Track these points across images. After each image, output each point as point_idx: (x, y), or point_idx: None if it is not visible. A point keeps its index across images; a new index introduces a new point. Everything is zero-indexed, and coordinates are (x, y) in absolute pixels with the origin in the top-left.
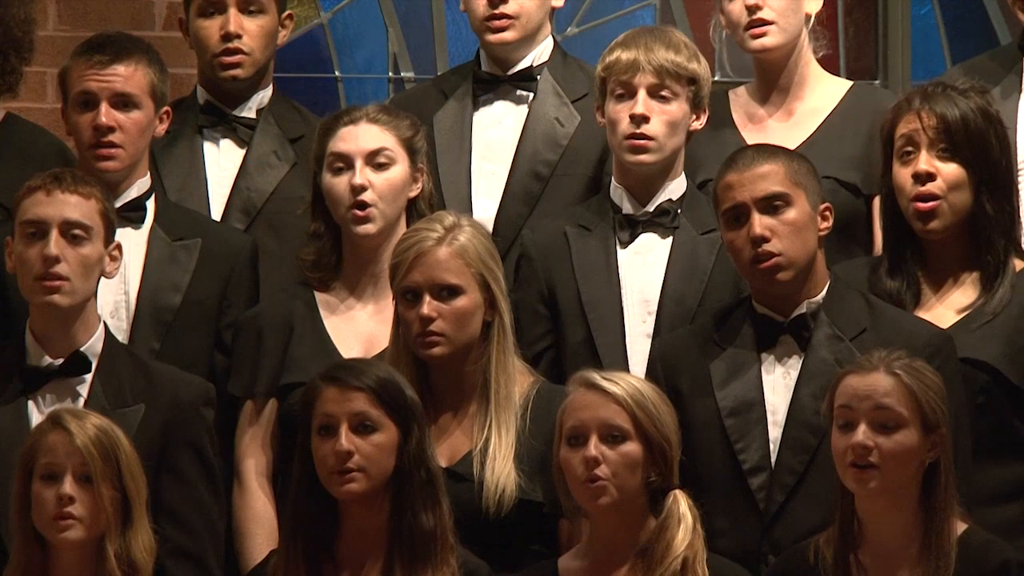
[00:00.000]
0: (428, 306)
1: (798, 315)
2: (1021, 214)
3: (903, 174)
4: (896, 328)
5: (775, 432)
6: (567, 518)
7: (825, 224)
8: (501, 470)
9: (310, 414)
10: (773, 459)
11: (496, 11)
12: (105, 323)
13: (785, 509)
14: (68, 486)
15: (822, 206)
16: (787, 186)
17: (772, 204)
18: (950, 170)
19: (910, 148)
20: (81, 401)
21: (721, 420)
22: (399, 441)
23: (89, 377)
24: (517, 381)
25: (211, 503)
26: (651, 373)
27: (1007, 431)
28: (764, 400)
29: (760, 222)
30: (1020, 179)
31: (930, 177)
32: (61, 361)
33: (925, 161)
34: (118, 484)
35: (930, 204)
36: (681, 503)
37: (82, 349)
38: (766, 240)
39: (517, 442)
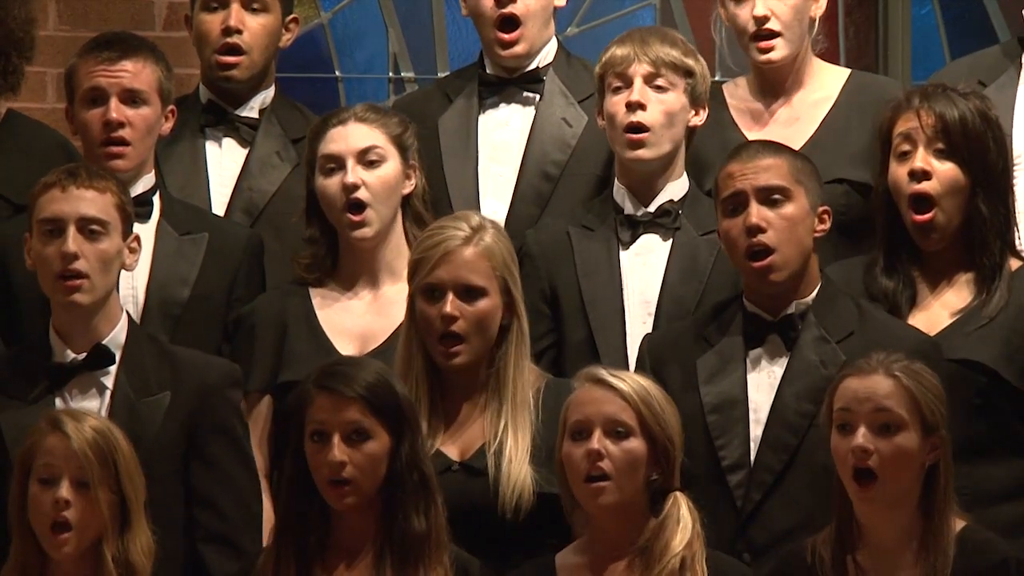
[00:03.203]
0: (452, 304)
1: (786, 315)
2: (1018, 213)
3: (900, 172)
4: (883, 332)
5: (756, 431)
6: (567, 514)
7: (822, 226)
8: (518, 472)
9: (303, 418)
10: (753, 457)
11: (505, 10)
12: (128, 313)
13: (761, 508)
14: (64, 491)
15: (820, 208)
16: (788, 181)
17: (771, 197)
18: (946, 169)
19: (907, 146)
20: (107, 393)
21: (704, 416)
22: (391, 446)
23: (114, 369)
24: (530, 381)
25: (244, 484)
26: (639, 366)
27: (1006, 432)
28: (747, 398)
29: (757, 212)
30: (1016, 174)
31: (926, 175)
32: (84, 355)
33: (921, 159)
34: (116, 487)
35: (926, 216)
36: (681, 505)
37: (104, 341)
38: (761, 230)
39: (532, 444)
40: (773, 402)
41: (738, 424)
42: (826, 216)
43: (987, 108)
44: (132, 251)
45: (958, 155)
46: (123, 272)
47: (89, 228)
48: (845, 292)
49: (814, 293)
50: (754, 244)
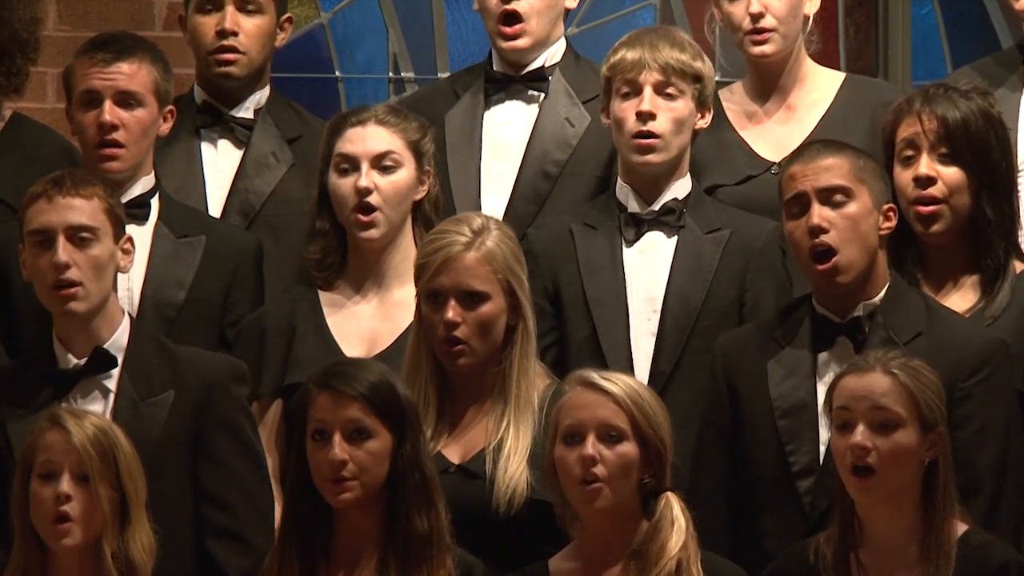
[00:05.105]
0: (453, 311)
1: (854, 316)
2: (1021, 216)
3: (904, 177)
4: (951, 333)
5: (826, 435)
6: (558, 517)
7: (888, 224)
8: (514, 470)
9: (304, 418)
10: (822, 462)
11: (508, 6)
12: (130, 315)
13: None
14: (65, 485)
15: (886, 206)
16: (850, 180)
17: (832, 197)
18: (950, 173)
19: (911, 152)
20: (111, 396)
21: (774, 420)
22: (393, 446)
23: (116, 372)
24: (536, 385)
25: (250, 479)
26: (711, 369)
27: None
28: (817, 402)
29: (819, 213)
30: (1021, 180)
31: (930, 181)
32: (85, 360)
33: (926, 165)
34: (116, 484)
35: (931, 208)
36: (674, 506)
37: (105, 345)
38: (823, 231)
39: (532, 445)
40: None
41: (807, 429)
42: (892, 213)
43: (989, 106)
44: (126, 252)
45: (962, 159)
46: (119, 274)
47: (79, 236)
48: (915, 290)
49: (882, 293)
50: (817, 245)
